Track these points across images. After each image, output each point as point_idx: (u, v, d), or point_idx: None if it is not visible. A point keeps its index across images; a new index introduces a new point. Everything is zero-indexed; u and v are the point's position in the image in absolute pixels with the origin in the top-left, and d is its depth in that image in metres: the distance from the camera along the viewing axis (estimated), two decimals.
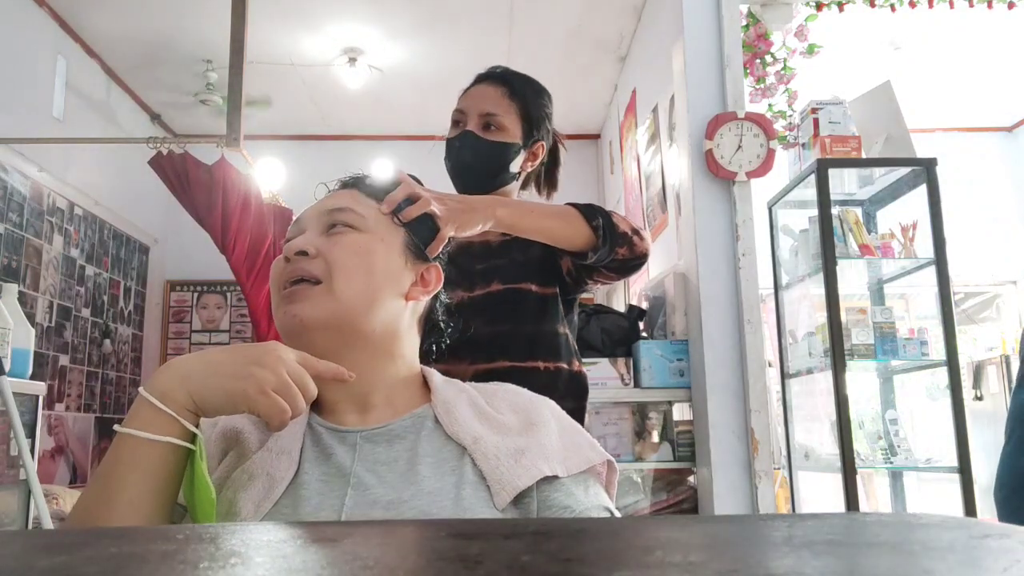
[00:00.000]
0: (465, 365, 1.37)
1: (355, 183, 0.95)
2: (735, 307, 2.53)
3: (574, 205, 1.34)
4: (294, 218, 0.94)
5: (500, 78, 1.52)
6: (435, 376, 0.91)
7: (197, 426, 0.71)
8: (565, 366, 1.45)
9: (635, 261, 1.39)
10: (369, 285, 0.85)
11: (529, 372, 1.40)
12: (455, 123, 1.52)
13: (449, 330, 1.01)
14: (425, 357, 0.97)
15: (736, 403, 2.47)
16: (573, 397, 1.45)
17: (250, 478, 0.76)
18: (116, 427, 0.71)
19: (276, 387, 0.69)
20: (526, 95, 1.52)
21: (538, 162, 1.57)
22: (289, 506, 0.75)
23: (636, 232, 1.37)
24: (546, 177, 1.64)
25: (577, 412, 1.44)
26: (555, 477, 0.79)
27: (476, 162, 1.48)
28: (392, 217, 0.92)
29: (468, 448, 0.79)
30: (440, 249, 0.97)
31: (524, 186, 1.62)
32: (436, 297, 0.96)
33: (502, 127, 1.48)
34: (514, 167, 1.51)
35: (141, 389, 0.71)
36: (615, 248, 1.33)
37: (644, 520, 1.60)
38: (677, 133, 2.88)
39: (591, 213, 1.32)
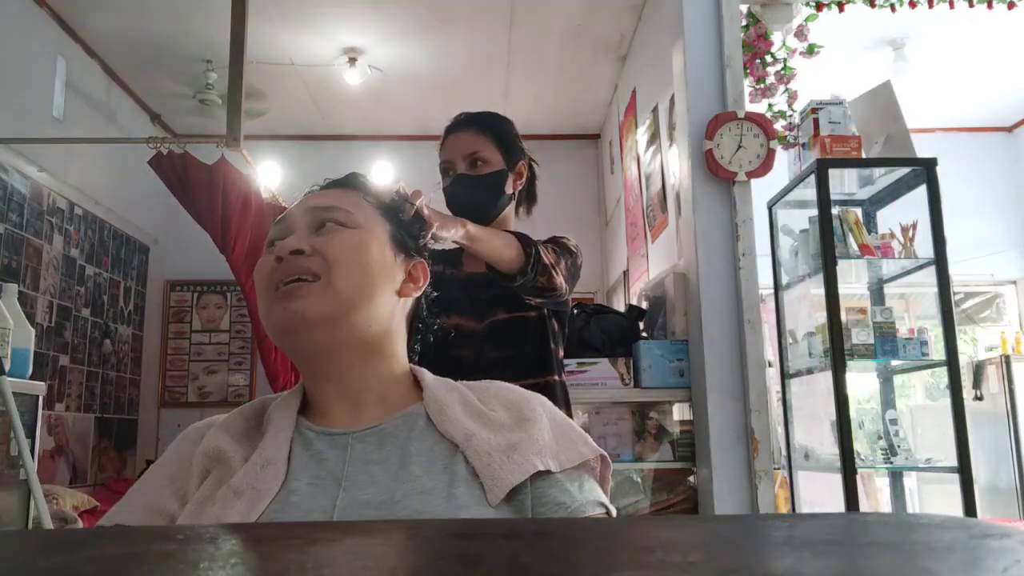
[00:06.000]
0: None
1: (338, 183, 0.95)
2: (735, 307, 2.53)
3: (513, 234, 1.52)
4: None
5: (466, 123, 1.68)
6: (426, 374, 0.90)
7: None
8: (557, 378, 1.64)
9: (550, 292, 1.56)
10: (367, 280, 0.85)
11: (535, 388, 1.56)
12: (445, 172, 1.67)
13: (435, 327, 1.01)
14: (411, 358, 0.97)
15: (736, 403, 2.47)
16: (565, 405, 1.63)
17: (236, 494, 0.75)
18: None
19: None
20: (494, 126, 1.68)
21: (524, 179, 1.72)
22: (278, 512, 0.74)
23: (554, 267, 1.54)
24: (527, 192, 1.77)
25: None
26: (548, 472, 0.79)
27: (476, 197, 1.64)
28: (384, 207, 0.93)
29: (460, 446, 0.79)
30: (427, 237, 1.01)
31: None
32: (421, 297, 0.96)
33: (487, 160, 1.64)
34: (508, 189, 1.67)
35: None
36: (538, 276, 1.50)
37: (644, 520, 1.60)
38: (677, 133, 2.88)
39: (527, 242, 1.49)
